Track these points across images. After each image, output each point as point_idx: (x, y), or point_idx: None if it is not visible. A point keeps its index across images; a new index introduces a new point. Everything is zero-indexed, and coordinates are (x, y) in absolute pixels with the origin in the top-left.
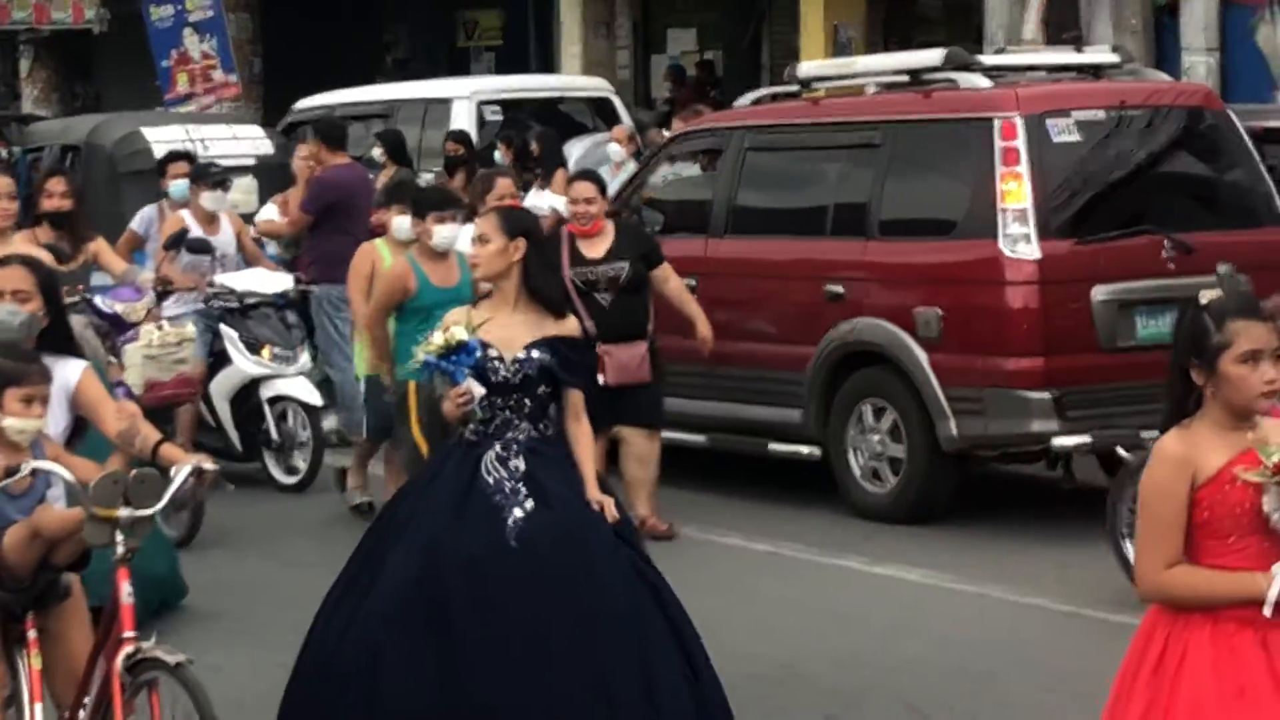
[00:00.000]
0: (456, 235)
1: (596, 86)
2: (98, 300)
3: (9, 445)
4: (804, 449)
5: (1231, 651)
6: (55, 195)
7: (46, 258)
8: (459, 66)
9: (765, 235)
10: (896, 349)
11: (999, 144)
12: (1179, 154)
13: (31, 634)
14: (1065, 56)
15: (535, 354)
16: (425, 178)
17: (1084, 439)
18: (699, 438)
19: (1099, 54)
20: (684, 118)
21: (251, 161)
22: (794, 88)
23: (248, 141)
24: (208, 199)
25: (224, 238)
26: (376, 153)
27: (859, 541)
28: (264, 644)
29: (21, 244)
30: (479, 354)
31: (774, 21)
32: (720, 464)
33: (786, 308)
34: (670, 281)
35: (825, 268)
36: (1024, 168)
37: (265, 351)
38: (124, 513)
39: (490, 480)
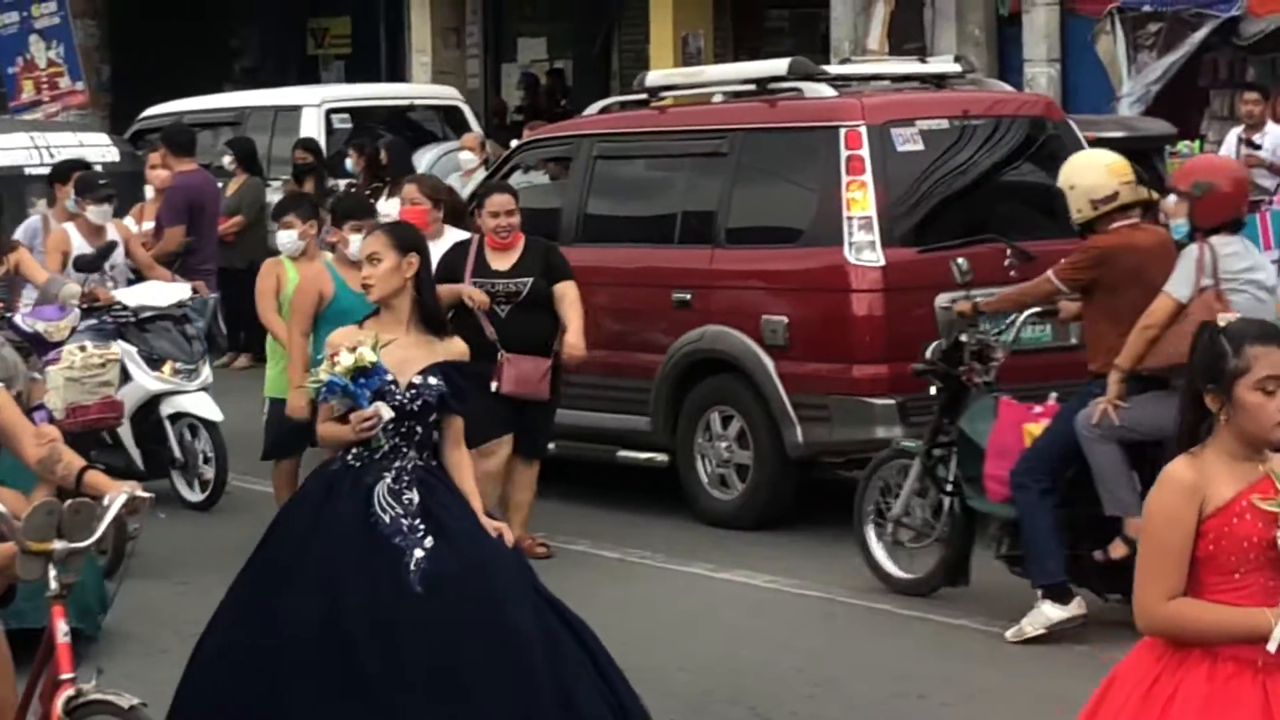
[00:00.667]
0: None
1: (446, 95)
2: (18, 318)
3: None
4: (652, 456)
5: (1228, 693)
6: None
7: None
8: (308, 74)
9: (614, 243)
10: (744, 357)
11: (844, 152)
12: (1021, 163)
13: None
14: (909, 66)
15: (432, 380)
16: (273, 185)
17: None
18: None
19: (942, 64)
20: (532, 128)
21: (98, 169)
22: (642, 96)
23: (94, 149)
24: (94, 212)
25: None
26: (227, 160)
27: (706, 548)
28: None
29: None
30: (386, 377)
31: (624, 31)
32: (568, 471)
33: (635, 316)
34: (567, 297)
35: (673, 276)
36: (869, 176)
37: (166, 367)
38: (58, 545)
39: (386, 518)
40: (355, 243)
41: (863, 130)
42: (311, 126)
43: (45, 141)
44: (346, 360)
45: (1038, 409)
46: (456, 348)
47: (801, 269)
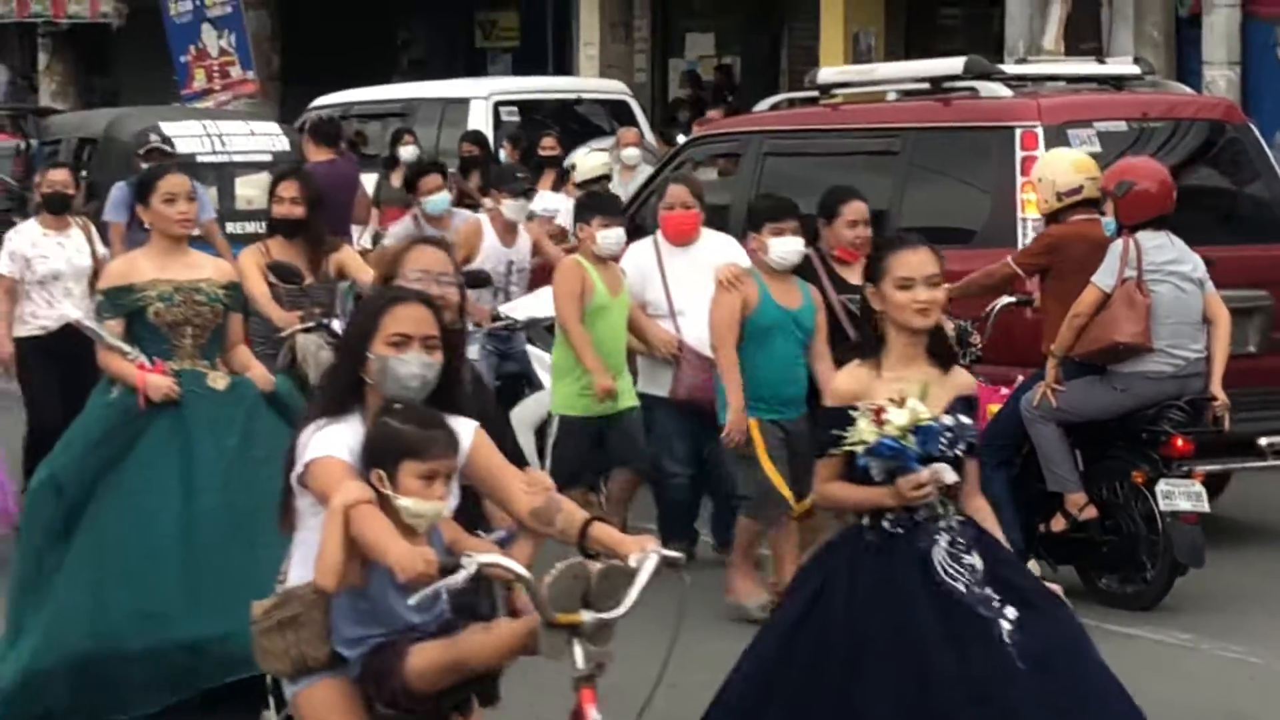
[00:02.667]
0: (795, 250)
1: (613, 89)
2: (335, 324)
3: (404, 529)
4: None
5: None
6: (285, 201)
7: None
8: (476, 67)
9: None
10: None
11: (1020, 153)
12: (1199, 167)
13: None
14: (1086, 67)
15: (964, 419)
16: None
17: None
18: None
19: (1121, 65)
20: (701, 123)
21: (268, 158)
22: (814, 93)
23: (265, 138)
24: (510, 207)
25: (522, 247)
26: (404, 151)
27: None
28: None
29: (205, 255)
30: (942, 434)
31: (793, 27)
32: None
33: None
34: None
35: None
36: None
37: None
38: (587, 617)
39: (959, 586)
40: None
41: (1039, 131)
42: (479, 119)
43: (217, 130)
44: (899, 417)
45: (1004, 390)
46: (964, 379)
47: (974, 270)
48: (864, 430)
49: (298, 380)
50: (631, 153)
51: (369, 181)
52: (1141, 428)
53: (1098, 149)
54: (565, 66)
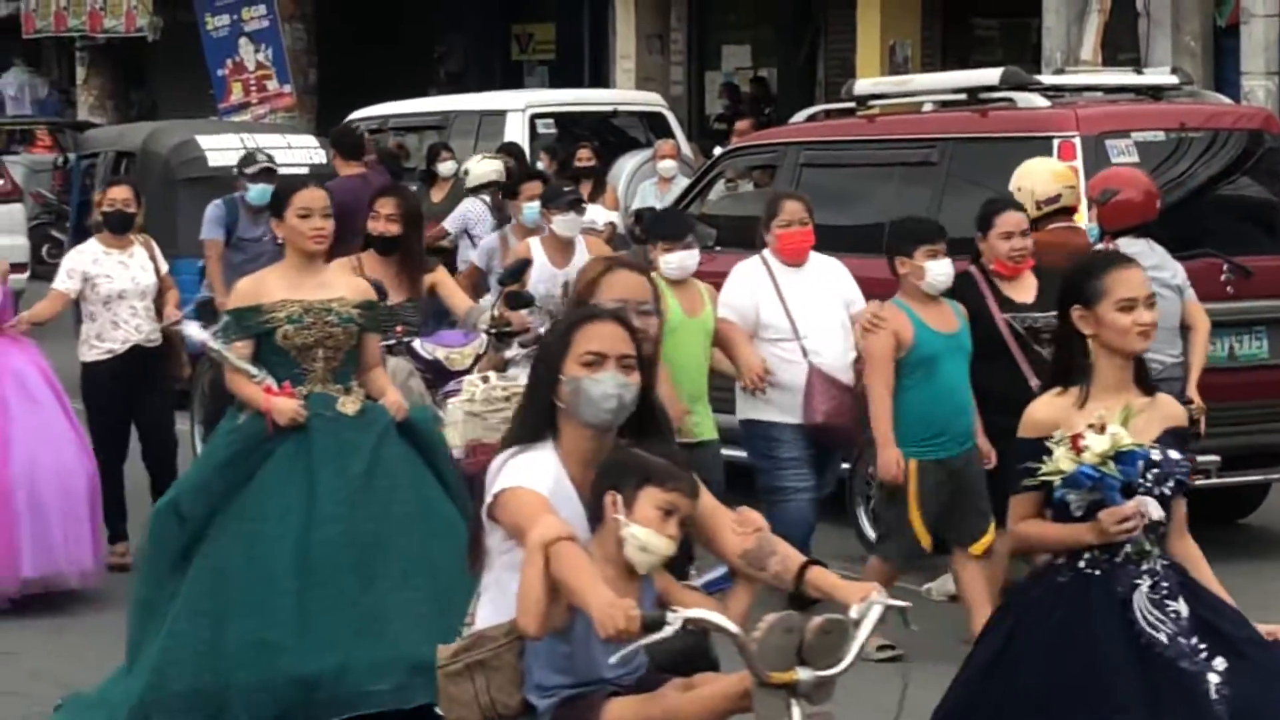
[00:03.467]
0: (949, 273)
1: (650, 101)
2: (416, 344)
3: (619, 567)
4: None
5: None
6: (381, 217)
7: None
8: (512, 80)
9: (820, 252)
10: None
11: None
12: (1239, 177)
13: None
14: (1124, 78)
15: (1173, 454)
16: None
17: None
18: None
19: (1158, 75)
20: (739, 135)
21: (305, 171)
22: (850, 105)
23: (302, 151)
24: (561, 224)
25: (578, 265)
26: (443, 166)
27: None
28: None
29: (339, 273)
30: (1143, 465)
31: (830, 39)
32: None
33: None
34: None
35: (880, 285)
36: (1082, 188)
37: None
38: (804, 676)
39: (1162, 637)
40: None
41: (1077, 142)
42: (516, 131)
43: (254, 143)
44: (1098, 444)
45: None
46: (1175, 410)
47: None
48: (1061, 459)
49: None
50: (668, 165)
51: None
52: None
53: (1136, 159)
54: (601, 79)
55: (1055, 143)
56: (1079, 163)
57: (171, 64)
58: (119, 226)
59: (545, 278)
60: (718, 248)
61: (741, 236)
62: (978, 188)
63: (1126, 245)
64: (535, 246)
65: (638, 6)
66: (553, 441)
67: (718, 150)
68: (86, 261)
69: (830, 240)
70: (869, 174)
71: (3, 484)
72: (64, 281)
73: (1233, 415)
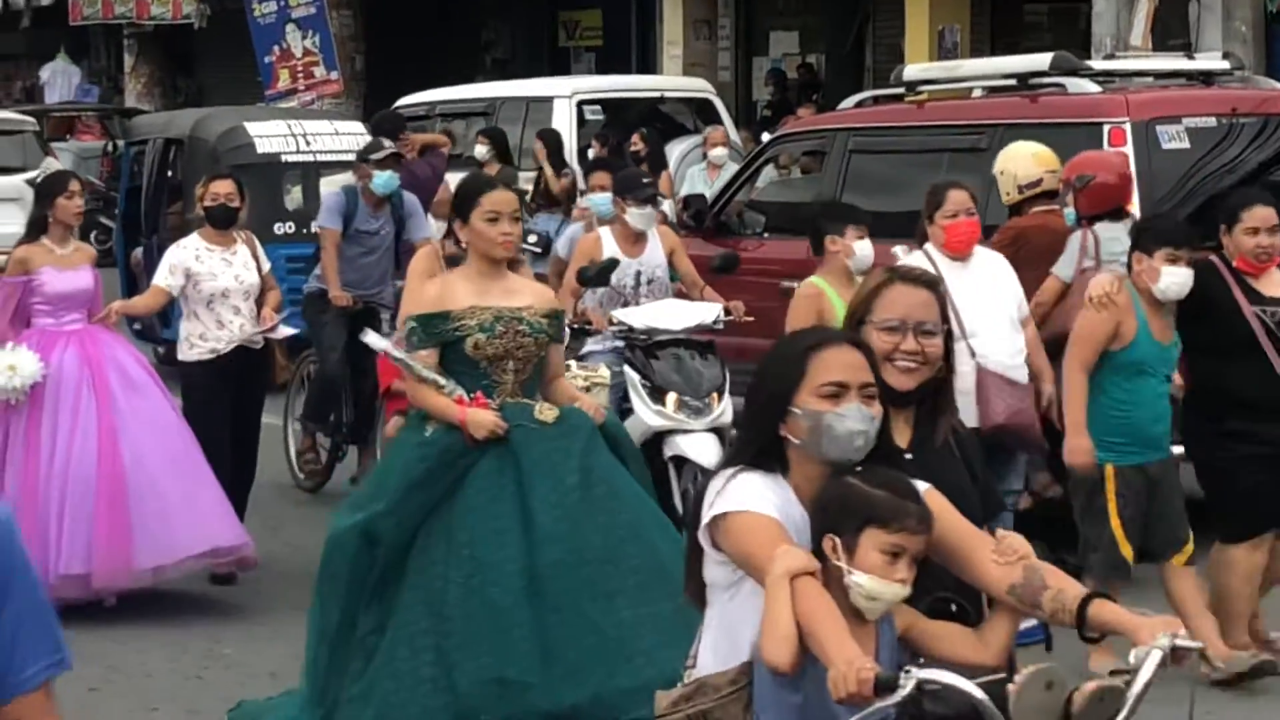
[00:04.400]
0: (1186, 284)
1: (698, 87)
2: None
3: (846, 610)
4: None
5: None
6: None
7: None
8: (559, 66)
9: (870, 239)
10: None
11: (1108, 149)
12: None
13: None
14: (1175, 63)
15: None
16: (524, 176)
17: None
18: None
19: (1210, 60)
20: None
21: (353, 157)
22: (898, 90)
23: (349, 137)
24: (635, 216)
25: (651, 258)
26: (480, 150)
27: None
28: None
29: (523, 279)
30: None
31: (878, 25)
32: None
33: None
34: None
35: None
36: (1132, 174)
37: (669, 399)
38: None
39: None
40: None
41: (1127, 127)
42: (563, 118)
43: (302, 130)
44: None
45: None
46: None
47: None
48: None
49: None
50: (719, 152)
51: (455, 181)
52: None
53: (1187, 145)
54: (649, 65)
55: (1105, 128)
56: (1129, 148)
57: (218, 51)
58: (222, 222)
59: (616, 270)
60: (766, 234)
61: (790, 223)
62: None
63: (1104, 230)
64: (606, 236)
65: None
66: (780, 476)
67: (766, 136)
68: (189, 258)
69: (879, 227)
70: (918, 160)
71: (113, 475)
72: (166, 278)
73: None
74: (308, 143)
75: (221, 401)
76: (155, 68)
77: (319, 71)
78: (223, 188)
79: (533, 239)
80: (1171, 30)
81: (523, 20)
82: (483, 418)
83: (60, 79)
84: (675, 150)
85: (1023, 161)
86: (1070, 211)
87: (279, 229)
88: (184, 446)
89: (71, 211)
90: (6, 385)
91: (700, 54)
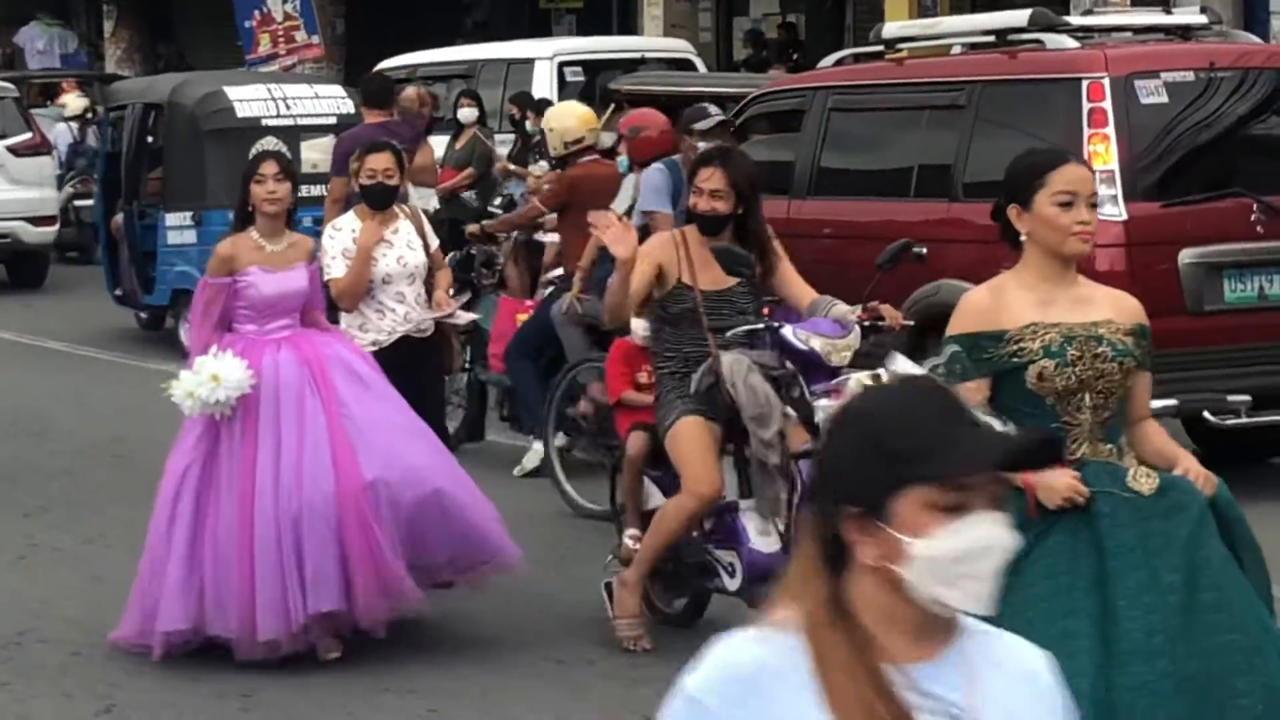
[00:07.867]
0: None
1: (678, 48)
2: (788, 330)
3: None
4: None
5: None
6: (705, 194)
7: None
8: (540, 28)
9: (848, 196)
10: None
11: (1086, 105)
12: (1269, 116)
13: None
14: (1153, 17)
15: None
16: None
17: (1169, 402)
18: None
19: (1188, 15)
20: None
21: (333, 121)
22: (878, 48)
23: (329, 100)
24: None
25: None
26: (463, 113)
27: None
28: None
29: (1097, 285)
30: None
31: None
32: None
33: (869, 269)
34: None
35: (908, 229)
36: (1111, 129)
37: None
38: None
39: None
40: None
41: (1106, 82)
42: (544, 79)
43: (282, 94)
44: None
45: (528, 303)
46: None
47: None
48: None
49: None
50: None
51: (440, 144)
52: None
53: (1165, 99)
54: (629, 26)
55: (1084, 84)
56: (1107, 103)
57: (199, 16)
58: (380, 201)
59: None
60: None
61: (771, 182)
62: (1007, 130)
63: (647, 175)
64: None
65: None
66: None
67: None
68: (348, 240)
69: (859, 185)
70: (897, 118)
71: (353, 492)
72: (340, 268)
73: (1262, 355)
74: (288, 106)
75: None
76: (135, 33)
77: (300, 36)
78: (379, 162)
79: (499, 201)
80: None
81: None
82: (1058, 481)
83: (54, 44)
84: None
85: (569, 123)
86: (623, 159)
87: None
88: (433, 454)
89: (263, 198)
90: (209, 399)
91: (680, 14)
